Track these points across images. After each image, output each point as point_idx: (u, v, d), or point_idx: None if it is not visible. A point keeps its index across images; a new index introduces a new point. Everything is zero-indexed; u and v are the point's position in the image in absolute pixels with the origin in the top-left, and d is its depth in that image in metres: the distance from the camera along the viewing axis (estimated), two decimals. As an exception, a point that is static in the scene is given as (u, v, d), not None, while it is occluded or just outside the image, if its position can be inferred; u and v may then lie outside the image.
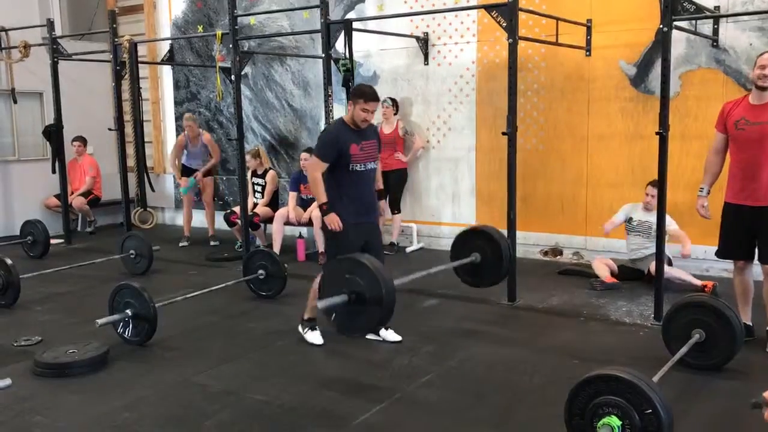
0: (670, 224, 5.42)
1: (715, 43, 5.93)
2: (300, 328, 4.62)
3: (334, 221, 4.25)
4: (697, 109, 6.10)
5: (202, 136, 8.23)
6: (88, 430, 3.40)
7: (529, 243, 6.97)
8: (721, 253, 4.44)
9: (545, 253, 7.06)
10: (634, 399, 2.77)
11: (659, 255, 4.85)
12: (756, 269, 4.36)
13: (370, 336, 4.50)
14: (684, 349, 3.73)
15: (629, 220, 6.00)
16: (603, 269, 5.95)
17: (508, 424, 3.39)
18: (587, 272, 6.36)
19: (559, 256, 6.99)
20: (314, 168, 4.32)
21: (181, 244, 8.22)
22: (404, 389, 3.79)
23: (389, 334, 4.55)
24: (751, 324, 4.38)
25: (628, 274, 6.02)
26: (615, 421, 2.79)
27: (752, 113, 4.13)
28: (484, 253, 4.73)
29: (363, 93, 4.27)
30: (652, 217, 5.37)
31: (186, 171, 8.31)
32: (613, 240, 6.59)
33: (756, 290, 4.42)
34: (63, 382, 4.00)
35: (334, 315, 3.63)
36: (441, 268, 4.61)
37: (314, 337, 4.53)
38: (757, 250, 4.25)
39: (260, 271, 5.72)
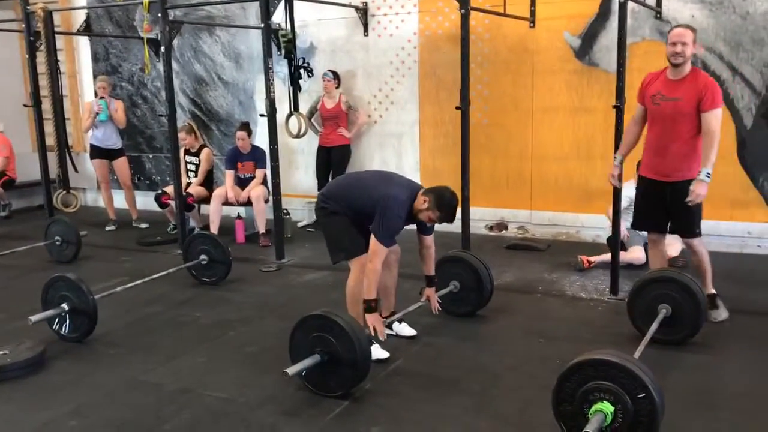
0: None
1: (658, 15, 5.94)
2: None
3: (378, 326, 3.81)
4: (640, 82, 6.10)
5: (113, 102, 7.45)
6: (31, 443, 3.07)
7: (475, 218, 6.84)
8: (634, 225, 4.54)
9: (491, 228, 7.01)
10: (626, 383, 2.69)
11: (615, 228, 4.82)
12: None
13: None
14: (655, 326, 3.70)
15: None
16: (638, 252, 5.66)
17: (488, 410, 3.26)
18: (534, 246, 6.36)
19: (504, 231, 6.95)
20: (379, 256, 3.78)
21: (108, 228, 7.70)
22: (373, 379, 3.59)
23: (403, 328, 4.24)
24: None
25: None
26: (607, 406, 2.70)
27: (668, 88, 4.09)
28: (462, 280, 4.51)
29: (449, 214, 3.83)
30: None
31: (96, 151, 7.55)
32: (558, 213, 6.62)
33: None
34: (-4, 388, 3.62)
35: (304, 372, 3.37)
36: (419, 304, 4.34)
37: (377, 351, 3.80)
38: (672, 222, 4.29)
39: (202, 257, 5.40)
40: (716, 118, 3.99)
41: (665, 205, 4.23)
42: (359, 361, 3.33)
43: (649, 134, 4.23)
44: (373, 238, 3.78)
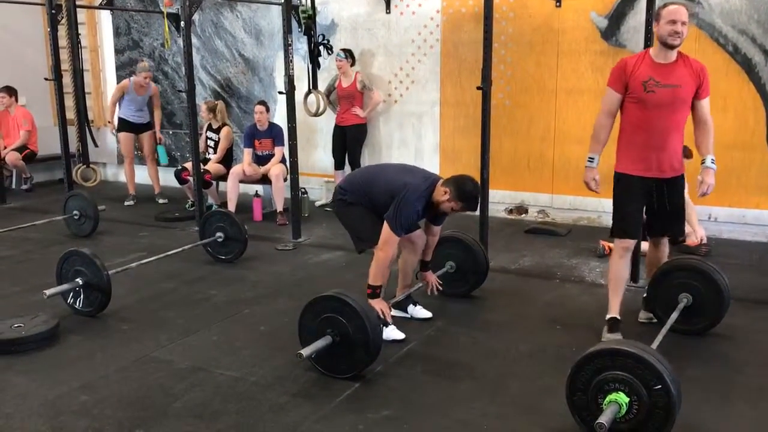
0: None
1: (689, -4, 5.76)
2: None
3: (384, 309, 3.74)
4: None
5: (151, 88, 7.69)
6: (41, 417, 3.06)
7: (494, 201, 6.76)
8: (618, 232, 3.79)
9: (510, 212, 6.91)
10: (642, 374, 2.62)
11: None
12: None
13: (396, 313, 4.16)
14: (675, 315, 3.62)
15: None
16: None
17: (501, 397, 3.21)
18: (554, 231, 6.26)
19: (524, 215, 6.85)
20: (391, 245, 3.73)
21: (126, 203, 7.75)
22: (386, 361, 3.56)
23: (418, 311, 4.18)
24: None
25: None
26: (622, 397, 2.64)
27: (660, 73, 3.55)
28: (457, 261, 4.47)
29: (473, 203, 3.80)
30: None
31: (124, 125, 7.68)
32: (580, 197, 6.51)
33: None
34: (9, 360, 3.62)
35: (314, 355, 3.33)
36: (418, 287, 4.30)
37: (393, 332, 3.84)
38: (658, 225, 3.83)
39: (218, 234, 5.39)
40: (709, 105, 3.70)
41: (653, 206, 3.75)
42: (371, 343, 3.29)
43: (636, 127, 3.63)
44: (385, 225, 3.72)
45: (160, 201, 7.79)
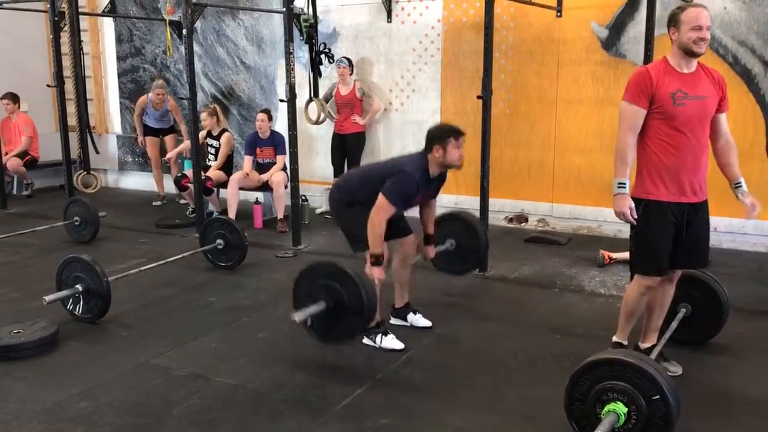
0: None
1: (689, 7, 5.77)
2: (368, 340, 3.87)
3: (379, 275, 3.67)
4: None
5: (167, 103, 7.91)
6: (40, 423, 3.06)
7: (494, 210, 6.76)
8: (647, 269, 3.32)
9: (510, 220, 6.92)
10: (641, 384, 2.61)
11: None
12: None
13: (396, 321, 4.17)
14: (674, 325, 3.61)
15: None
16: None
17: (499, 406, 3.21)
18: (554, 240, 6.26)
19: (524, 223, 6.86)
20: (386, 212, 3.65)
21: (155, 203, 8.12)
22: (384, 369, 3.57)
23: (418, 319, 4.17)
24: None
25: None
26: (620, 407, 2.63)
27: (687, 84, 3.17)
28: (458, 239, 4.48)
29: (454, 130, 3.73)
30: None
31: (148, 131, 8.03)
32: (580, 207, 6.52)
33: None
34: (8, 366, 3.62)
35: (310, 322, 3.38)
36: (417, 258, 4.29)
37: (391, 342, 3.82)
38: (684, 256, 3.34)
39: (218, 241, 5.39)
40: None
41: (679, 234, 3.29)
42: (366, 308, 3.29)
43: (666, 145, 3.19)
44: (380, 195, 3.65)
45: (154, 203, 8.05)
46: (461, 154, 3.76)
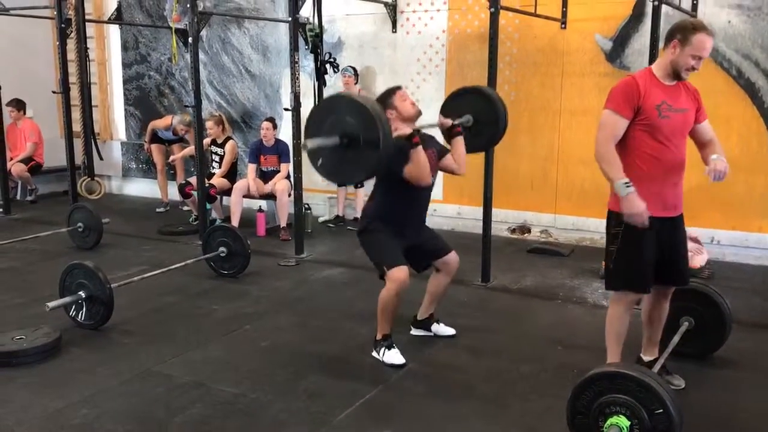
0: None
1: (693, 20, 5.79)
2: (374, 352, 3.83)
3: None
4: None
5: (187, 134, 7.73)
6: (42, 430, 3.06)
7: (497, 220, 6.77)
8: (629, 285, 3.25)
9: (513, 231, 6.92)
10: (644, 398, 2.61)
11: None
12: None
13: (417, 332, 4.16)
14: (676, 339, 3.61)
15: None
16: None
17: (502, 418, 3.20)
18: (557, 251, 6.26)
19: (527, 234, 6.86)
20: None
21: (158, 210, 8.10)
22: (387, 380, 3.57)
23: (441, 328, 4.17)
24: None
25: None
26: (623, 421, 2.63)
27: (670, 96, 3.12)
28: (477, 114, 4.14)
29: (392, 88, 3.71)
30: None
31: (156, 138, 8.08)
32: (582, 218, 6.51)
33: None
34: (10, 372, 3.63)
35: (321, 160, 3.19)
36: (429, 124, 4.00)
37: (393, 356, 3.74)
38: (667, 272, 3.28)
39: (221, 249, 5.39)
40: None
41: (662, 249, 3.22)
42: (382, 141, 3.06)
43: (650, 158, 3.12)
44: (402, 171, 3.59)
45: (158, 210, 8.05)
46: (411, 102, 3.77)
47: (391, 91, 3.78)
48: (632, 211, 3.05)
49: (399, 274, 3.64)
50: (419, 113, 3.80)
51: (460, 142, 3.97)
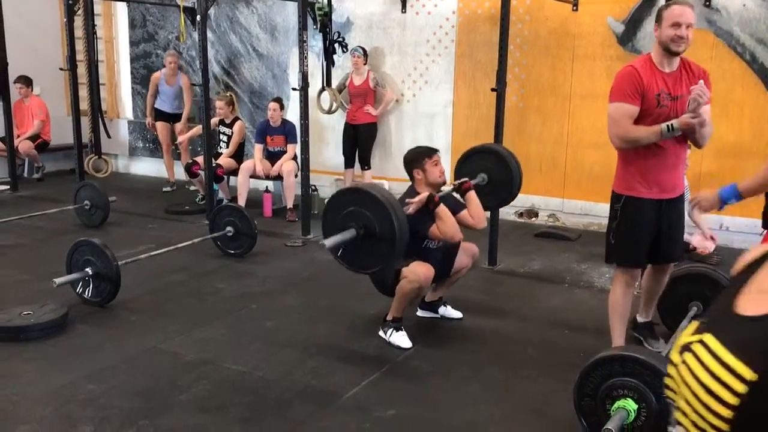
0: None
1: (707, 3, 5.72)
2: (381, 332, 3.84)
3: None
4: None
5: (180, 78, 7.78)
6: (48, 405, 3.07)
7: (505, 203, 6.77)
8: (626, 261, 3.45)
9: (520, 215, 6.89)
10: (651, 381, 2.59)
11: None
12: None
13: (424, 314, 4.17)
14: (684, 323, 3.59)
15: None
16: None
17: (508, 400, 3.20)
18: (565, 235, 6.23)
19: (534, 218, 6.83)
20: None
21: (164, 189, 8.04)
22: (393, 360, 3.57)
23: (449, 311, 4.18)
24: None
25: None
26: (631, 404, 2.61)
27: (668, 84, 3.15)
28: (490, 174, 4.28)
29: (426, 150, 3.79)
30: None
31: (160, 115, 7.94)
32: (591, 203, 6.47)
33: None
34: (18, 347, 3.64)
35: (341, 251, 3.28)
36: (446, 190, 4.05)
37: (400, 339, 3.75)
38: (664, 250, 3.41)
39: (228, 228, 5.39)
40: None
41: (659, 229, 3.36)
42: (397, 234, 3.17)
43: (648, 145, 3.19)
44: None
45: (164, 189, 8.02)
46: (441, 170, 3.83)
47: (427, 153, 3.83)
48: (688, 122, 3.05)
49: (415, 267, 3.68)
50: (444, 183, 3.90)
51: (472, 197, 3.96)
